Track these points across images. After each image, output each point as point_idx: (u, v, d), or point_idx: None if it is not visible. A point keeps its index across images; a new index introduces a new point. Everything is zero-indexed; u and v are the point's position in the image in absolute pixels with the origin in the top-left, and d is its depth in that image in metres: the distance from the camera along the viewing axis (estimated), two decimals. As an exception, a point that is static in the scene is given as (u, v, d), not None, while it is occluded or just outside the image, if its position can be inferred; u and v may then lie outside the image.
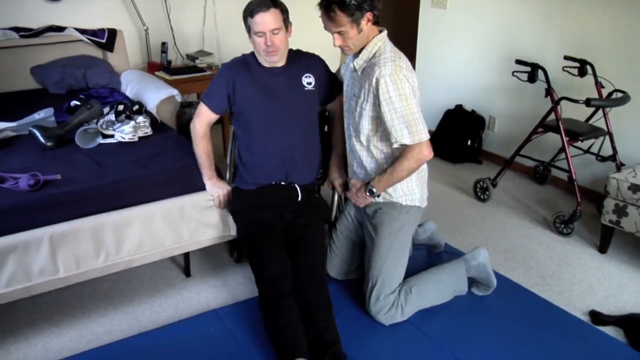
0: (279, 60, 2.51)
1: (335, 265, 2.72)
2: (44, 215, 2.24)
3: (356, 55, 2.39)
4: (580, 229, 3.37)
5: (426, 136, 2.29)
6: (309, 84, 2.58)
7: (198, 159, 2.60)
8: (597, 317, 2.59)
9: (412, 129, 2.26)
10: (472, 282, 2.69)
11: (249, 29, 2.45)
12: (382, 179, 2.39)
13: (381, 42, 2.35)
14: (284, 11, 2.44)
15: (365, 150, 2.46)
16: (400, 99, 2.24)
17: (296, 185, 2.60)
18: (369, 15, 2.25)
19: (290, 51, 2.59)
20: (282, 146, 2.54)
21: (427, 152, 2.31)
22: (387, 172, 2.37)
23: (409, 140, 2.27)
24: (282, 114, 2.53)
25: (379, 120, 2.35)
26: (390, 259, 2.43)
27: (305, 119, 2.61)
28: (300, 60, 2.61)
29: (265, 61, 2.51)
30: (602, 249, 3.20)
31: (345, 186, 2.71)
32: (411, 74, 2.31)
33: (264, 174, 2.57)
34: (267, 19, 2.36)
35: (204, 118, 2.60)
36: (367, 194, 2.44)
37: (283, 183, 2.58)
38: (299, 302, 2.28)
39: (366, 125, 2.39)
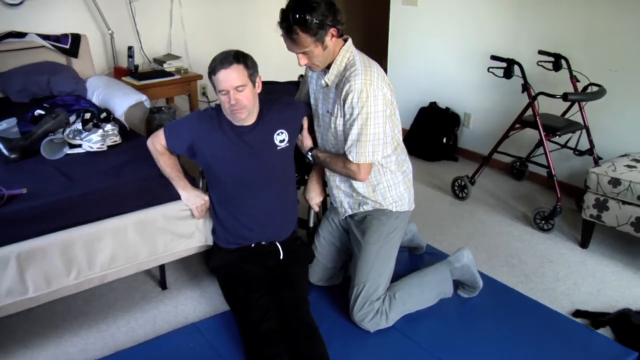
0: (247, 118, 2.33)
1: (317, 272, 2.64)
2: (9, 233, 2.11)
3: (325, 70, 2.29)
4: (560, 224, 3.36)
5: (371, 159, 2.27)
6: (282, 141, 2.42)
7: (164, 173, 2.45)
8: (594, 321, 2.56)
9: (360, 149, 2.23)
10: (457, 284, 2.64)
11: (214, 86, 2.27)
12: (321, 158, 2.44)
13: (348, 53, 2.24)
14: (250, 66, 2.24)
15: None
16: (361, 118, 2.18)
17: (277, 243, 2.50)
18: (332, 31, 2.13)
19: (264, 102, 2.40)
20: (258, 207, 2.43)
21: (361, 176, 2.31)
22: (327, 157, 2.41)
23: (353, 158, 2.26)
24: (254, 174, 2.40)
25: None
26: (377, 265, 2.37)
27: (280, 176, 2.48)
28: (272, 114, 2.41)
29: (232, 120, 2.34)
30: (584, 244, 3.19)
31: (323, 205, 2.68)
32: (382, 83, 2.20)
33: (243, 236, 2.46)
34: (229, 76, 2.19)
35: (161, 143, 2.44)
36: (308, 154, 2.50)
37: (264, 243, 2.49)
38: (286, 338, 2.19)
39: (341, 139, 2.32)
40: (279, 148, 2.42)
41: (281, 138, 2.42)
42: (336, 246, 2.62)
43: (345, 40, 2.25)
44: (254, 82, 2.28)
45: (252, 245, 2.47)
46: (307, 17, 2.05)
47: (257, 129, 2.38)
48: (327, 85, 2.30)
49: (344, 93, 2.19)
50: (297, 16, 2.05)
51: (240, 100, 2.23)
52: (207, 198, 2.47)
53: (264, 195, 2.43)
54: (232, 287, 2.41)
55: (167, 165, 2.45)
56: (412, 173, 2.54)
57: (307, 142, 2.52)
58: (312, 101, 2.49)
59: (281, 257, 2.49)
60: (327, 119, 2.36)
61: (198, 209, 2.44)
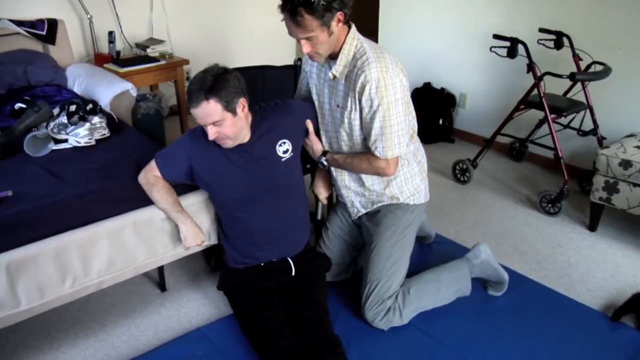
0: (237, 141, 2.13)
1: None
2: (-3, 241, 1.94)
3: (328, 61, 2.13)
4: (566, 206, 3.27)
5: (398, 152, 2.14)
6: (285, 152, 2.23)
7: (159, 208, 2.18)
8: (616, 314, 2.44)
9: (386, 143, 2.10)
10: (484, 284, 2.55)
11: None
12: (338, 161, 2.26)
13: (356, 41, 2.08)
14: (224, 97, 1.97)
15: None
16: (382, 109, 2.04)
17: (289, 259, 2.34)
18: (339, 15, 1.96)
19: (258, 113, 2.21)
20: (267, 224, 2.26)
21: (391, 171, 2.18)
22: (346, 159, 2.23)
23: (380, 153, 2.13)
24: (260, 190, 2.21)
25: None
26: (391, 263, 2.25)
27: (288, 189, 2.29)
28: (270, 125, 2.21)
29: (223, 146, 2.14)
30: (592, 227, 3.11)
31: (331, 197, 2.53)
32: (397, 69, 2.06)
33: (253, 255, 2.29)
34: (202, 114, 1.98)
35: (154, 174, 2.21)
36: (322, 159, 2.31)
37: (275, 260, 2.32)
38: (307, 355, 2.05)
39: (358, 134, 2.18)
40: (283, 160, 2.23)
41: (284, 149, 2.23)
42: (346, 241, 2.49)
43: (349, 27, 2.08)
44: (233, 111, 2.02)
45: (262, 264, 2.31)
46: None
47: (257, 144, 2.19)
48: (334, 77, 2.14)
49: (359, 85, 2.03)
50: None
51: (221, 132, 2.04)
52: (204, 239, 2.26)
53: (273, 212, 2.26)
54: (243, 307, 2.24)
55: (162, 196, 2.16)
56: (426, 162, 2.42)
57: (317, 146, 2.32)
58: (314, 97, 2.32)
59: (293, 273, 2.32)
60: (337, 114, 2.20)
61: (192, 245, 2.23)
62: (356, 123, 2.15)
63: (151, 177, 2.20)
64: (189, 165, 2.18)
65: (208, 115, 1.98)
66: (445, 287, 2.38)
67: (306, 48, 2.01)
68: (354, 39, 2.08)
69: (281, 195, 2.26)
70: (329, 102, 2.23)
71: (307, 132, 2.32)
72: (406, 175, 2.28)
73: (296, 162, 2.31)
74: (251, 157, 2.17)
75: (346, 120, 2.17)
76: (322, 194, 2.49)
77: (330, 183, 2.50)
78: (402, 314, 2.26)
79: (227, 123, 2.02)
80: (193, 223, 2.21)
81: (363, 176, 2.28)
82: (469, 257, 2.45)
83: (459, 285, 2.41)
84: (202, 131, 2.14)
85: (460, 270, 2.41)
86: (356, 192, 2.35)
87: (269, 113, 2.23)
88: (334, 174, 2.37)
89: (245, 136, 2.15)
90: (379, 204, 2.33)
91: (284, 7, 1.93)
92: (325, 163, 2.30)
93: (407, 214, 2.31)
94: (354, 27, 2.09)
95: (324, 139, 2.34)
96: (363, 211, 2.39)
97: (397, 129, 2.08)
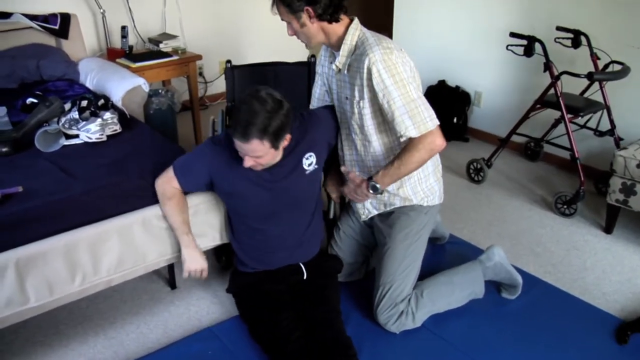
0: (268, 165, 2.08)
1: None
2: (6, 237, 1.91)
3: (333, 53, 2.12)
4: (581, 208, 3.22)
5: (434, 123, 2.01)
6: (310, 164, 2.17)
7: (168, 222, 2.16)
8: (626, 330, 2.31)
9: (416, 118, 1.97)
10: (498, 287, 2.52)
11: None
12: (388, 173, 2.09)
13: (358, 31, 2.06)
14: (275, 139, 1.93)
15: (374, 150, 2.19)
16: (397, 86, 1.96)
17: (301, 264, 2.30)
18: (308, 9, 1.96)
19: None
20: (283, 234, 2.22)
21: (440, 141, 2.03)
22: (394, 165, 2.07)
23: (415, 132, 1.99)
24: (281, 203, 2.17)
25: (381, 112, 2.08)
26: (405, 265, 2.21)
27: (308, 200, 2.25)
28: (297, 139, 2.13)
29: None
30: (608, 230, 3.05)
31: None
32: (402, 53, 2.04)
33: (264, 261, 2.26)
34: (245, 148, 1.94)
35: (172, 185, 2.16)
36: (370, 191, 2.14)
37: (287, 265, 2.30)
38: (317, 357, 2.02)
39: (370, 124, 2.12)
40: (307, 172, 2.17)
41: (310, 162, 2.17)
42: (357, 241, 2.46)
43: (352, 20, 2.07)
44: (277, 147, 1.99)
45: (273, 269, 2.28)
46: None
47: (284, 160, 2.12)
48: (339, 70, 2.11)
49: (365, 70, 1.99)
50: None
51: (258, 162, 2.00)
52: (206, 266, 2.19)
53: (293, 223, 2.23)
54: (252, 311, 2.21)
55: (174, 213, 2.13)
56: (440, 162, 2.37)
57: (358, 179, 2.19)
58: (328, 97, 2.29)
59: (304, 277, 2.29)
60: (347, 106, 2.16)
61: (192, 272, 2.16)
62: (366, 112, 2.09)
63: (169, 189, 2.14)
64: (209, 178, 2.14)
65: (253, 150, 1.94)
66: (458, 289, 2.34)
67: (289, 31, 2.08)
68: (357, 30, 2.06)
69: (302, 207, 2.24)
70: (337, 97, 2.20)
71: (328, 147, 2.27)
72: (419, 175, 2.23)
73: (319, 174, 2.26)
74: (278, 172, 2.11)
75: (356, 111, 2.11)
76: (335, 192, 2.46)
77: (341, 182, 2.47)
78: (415, 318, 2.23)
79: (267, 157, 2.00)
80: (195, 249, 2.17)
81: (377, 164, 2.21)
82: (482, 260, 2.41)
83: (472, 288, 2.36)
84: (225, 142, 2.10)
85: (473, 273, 2.37)
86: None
87: (297, 127, 2.14)
88: (347, 166, 2.32)
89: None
90: (392, 207, 2.29)
91: None
92: (378, 186, 2.12)
93: (421, 216, 2.27)
94: (356, 20, 2.07)
95: (338, 142, 2.30)
96: (375, 212, 2.35)
97: (421, 102, 1.99)
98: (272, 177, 2.12)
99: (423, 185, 2.25)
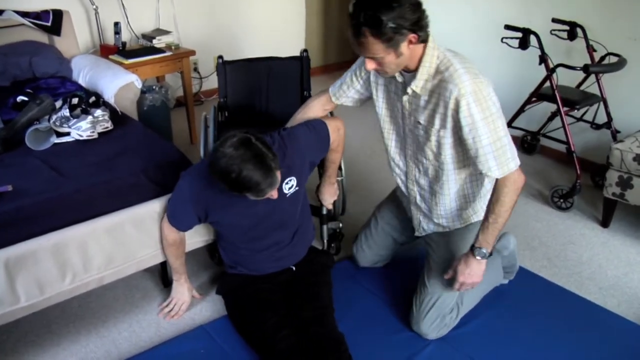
0: None
1: (365, 257, 2.53)
2: (-5, 237, 1.90)
3: (404, 74, 1.95)
4: (578, 201, 3.20)
5: (516, 164, 1.90)
6: (291, 187, 2.13)
7: (168, 260, 2.30)
8: None
9: (500, 159, 1.86)
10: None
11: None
12: (489, 232, 1.96)
13: (437, 51, 1.88)
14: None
15: (447, 177, 2.08)
16: (486, 123, 1.82)
17: (292, 267, 2.31)
18: (412, 37, 1.75)
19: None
20: (271, 246, 2.22)
21: (521, 180, 1.93)
22: (489, 221, 1.95)
23: (498, 173, 1.88)
24: (265, 227, 2.16)
25: (461, 142, 1.94)
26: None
27: (291, 220, 2.23)
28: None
29: None
30: (605, 223, 3.04)
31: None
32: (490, 83, 1.87)
33: (253, 269, 2.26)
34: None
35: (172, 230, 2.18)
36: (479, 258, 2.00)
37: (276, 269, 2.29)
38: (309, 355, 1.99)
39: (449, 154, 2.00)
40: (288, 195, 2.14)
41: (290, 185, 2.13)
42: (394, 238, 2.49)
43: (425, 40, 1.86)
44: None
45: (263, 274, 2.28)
46: (382, 19, 1.67)
47: None
48: (415, 94, 1.95)
49: (452, 101, 1.83)
50: (369, 15, 1.68)
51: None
52: (188, 302, 2.37)
53: (277, 239, 2.22)
54: (239, 311, 2.21)
55: (174, 257, 2.26)
56: None
57: (460, 264, 2.05)
58: (379, 110, 2.16)
59: (294, 275, 2.29)
60: (420, 131, 2.01)
61: (177, 304, 2.34)
62: (446, 142, 1.96)
63: (170, 235, 2.19)
64: (197, 217, 2.13)
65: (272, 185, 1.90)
66: (486, 284, 2.30)
67: (370, 65, 1.84)
68: (434, 49, 1.87)
69: (286, 226, 2.23)
70: (403, 118, 2.07)
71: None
72: (481, 194, 2.15)
73: (301, 192, 2.22)
74: (259, 201, 2.00)
75: (433, 139, 1.98)
76: (328, 200, 2.48)
77: (336, 189, 2.47)
78: (451, 325, 2.22)
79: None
80: (185, 285, 2.36)
81: (439, 203, 2.16)
82: (499, 249, 2.40)
83: (496, 281, 2.39)
84: (201, 185, 2.05)
85: (494, 263, 2.33)
86: (425, 214, 2.25)
87: (275, 148, 1.99)
88: (407, 190, 2.25)
89: None
90: (453, 228, 2.22)
91: (350, 22, 1.74)
92: (485, 251, 1.99)
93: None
94: (431, 38, 1.87)
95: (396, 157, 2.22)
96: (430, 232, 2.29)
97: (507, 140, 1.87)
98: (254, 208, 2.09)
99: (482, 203, 2.15)
